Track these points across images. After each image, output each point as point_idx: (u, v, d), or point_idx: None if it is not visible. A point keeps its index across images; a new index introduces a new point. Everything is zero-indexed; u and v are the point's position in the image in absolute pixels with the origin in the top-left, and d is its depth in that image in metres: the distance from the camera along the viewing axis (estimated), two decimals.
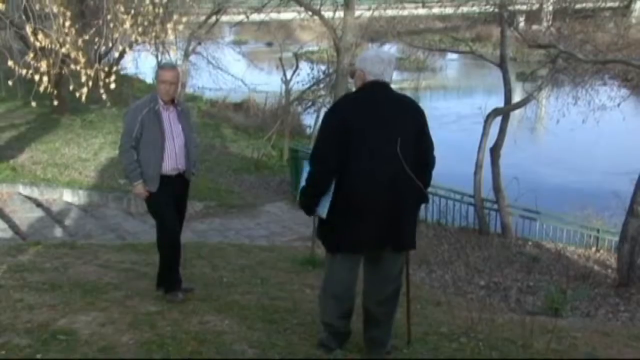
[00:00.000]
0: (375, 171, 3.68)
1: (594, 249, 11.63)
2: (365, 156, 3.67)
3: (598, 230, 11.93)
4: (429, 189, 4.00)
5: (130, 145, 4.90)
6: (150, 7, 8.52)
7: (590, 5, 14.54)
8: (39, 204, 10.88)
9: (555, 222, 12.12)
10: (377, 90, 3.82)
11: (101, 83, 7.41)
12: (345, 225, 3.76)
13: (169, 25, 8.43)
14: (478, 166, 11.85)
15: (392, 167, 3.67)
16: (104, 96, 7.45)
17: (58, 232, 9.52)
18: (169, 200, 5.04)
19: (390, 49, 27.76)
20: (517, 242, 11.44)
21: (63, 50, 6.91)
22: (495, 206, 12.08)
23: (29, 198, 11.13)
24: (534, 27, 20.76)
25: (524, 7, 21.24)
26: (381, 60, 3.84)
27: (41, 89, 6.77)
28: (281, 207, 11.92)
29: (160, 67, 5.27)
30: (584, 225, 12.19)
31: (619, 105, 13.58)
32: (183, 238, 5.25)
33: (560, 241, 11.81)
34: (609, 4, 17.60)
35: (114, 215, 10.90)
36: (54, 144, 14.04)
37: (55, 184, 11.80)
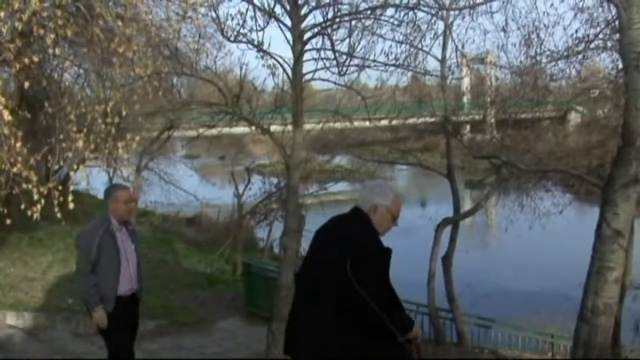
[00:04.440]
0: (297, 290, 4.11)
1: (549, 354, 11.65)
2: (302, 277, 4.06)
3: (552, 336, 11.99)
4: None
5: (89, 269, 4.85)
6: (103, 126, 8.60)
7: (529, 115, 15.23)
8: None
9: (510, 329, 12.16)
10: (338, 217, 4.09)
11: (55, 202, 7.34)
12: None
13: (121, 144, 8.50)
14: (431, 275, 11.93)
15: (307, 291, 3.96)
16: (58, 215, 7.37)
17: None
18: (123, 322, 4.97)
19: (341, 160, 28.42)
20: (473, 350, 11.38)
21: (14, 170, 6.88)
22: (450, 315, 12.09)
23: None
24: (479, 137, 21.57)
25: (468, 119, 22.12)
26: (364, 188, 4.14)
27: None
28: (234, 322, 11.72)
29: (115, 188, 5.30)
30: (538, 332, 12.25)
31: (561, 211, 14.01)
32: None
33: (517, 348, 11.81)
34: (547, 114, 18.50)
35: (60, 338, 10.50)
36: None
37: None
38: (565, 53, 10.60)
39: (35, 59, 6.93)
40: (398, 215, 4.03)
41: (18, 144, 6.83)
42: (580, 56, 10.90)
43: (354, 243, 3.89)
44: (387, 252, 3.95)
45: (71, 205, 7.56)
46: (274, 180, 20.01)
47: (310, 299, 3.90)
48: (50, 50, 7.44)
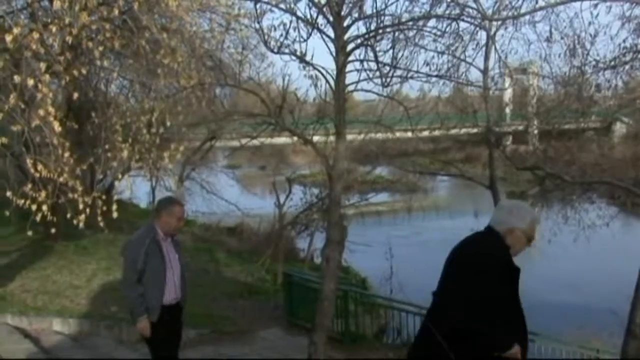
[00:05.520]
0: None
1: None
2: None
3: (597, 351, 11.69)
4: None
5: (136, 279, 4.91)
6: (147, 136, 8.74)
7: (573, 126, 14.98)
8: (27, 335, 10.62)
9: (554, 343, 11.91)
10: (469, 236, 4.04)
11: (99, 211, 7.47)
12: None
13: (166, 154, 8.62)
14: None
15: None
16: (101, 224, 7.50)
17: None
18: (167, 331, 5.02)
19: (382, 171, 28.31)
20: None
21: (61, 179, 7.02)
22: None
23: (17, 328, 10.86)
24: (522, 148, 21.29)
25: (510, 129, 21.83)
26: (500, 208, 4.06)
27: (38, 218, 6.83)
28: (275, 333, 11.72)
29: (173, 202, 5.35)
30: (582, 346, 11.97)
31: (607, 224, 13.73)
32: None
33: None
34: (591, 125, 18.15)
35: (104, 345, 10.64)
36: (46, 271, 13.90)
37: (45, 312, 11.58)
38: (612, 63, 10.41)
39: (84, 71, 7.08)
40: (533, 239, 4.00)
41: (66, 154, 6.97)
42: (627, 66, 10.70)
43: (460, 254, 3.90)
44: (513, 269, 3.91)
45: (115, 214, 7.68)
46: (315, 191, 20.02)
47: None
48: (98, 62, 7.60)
